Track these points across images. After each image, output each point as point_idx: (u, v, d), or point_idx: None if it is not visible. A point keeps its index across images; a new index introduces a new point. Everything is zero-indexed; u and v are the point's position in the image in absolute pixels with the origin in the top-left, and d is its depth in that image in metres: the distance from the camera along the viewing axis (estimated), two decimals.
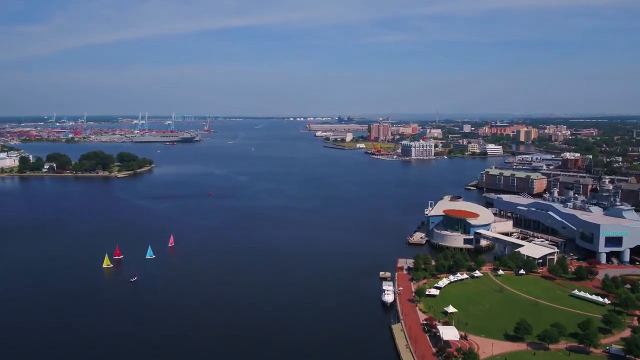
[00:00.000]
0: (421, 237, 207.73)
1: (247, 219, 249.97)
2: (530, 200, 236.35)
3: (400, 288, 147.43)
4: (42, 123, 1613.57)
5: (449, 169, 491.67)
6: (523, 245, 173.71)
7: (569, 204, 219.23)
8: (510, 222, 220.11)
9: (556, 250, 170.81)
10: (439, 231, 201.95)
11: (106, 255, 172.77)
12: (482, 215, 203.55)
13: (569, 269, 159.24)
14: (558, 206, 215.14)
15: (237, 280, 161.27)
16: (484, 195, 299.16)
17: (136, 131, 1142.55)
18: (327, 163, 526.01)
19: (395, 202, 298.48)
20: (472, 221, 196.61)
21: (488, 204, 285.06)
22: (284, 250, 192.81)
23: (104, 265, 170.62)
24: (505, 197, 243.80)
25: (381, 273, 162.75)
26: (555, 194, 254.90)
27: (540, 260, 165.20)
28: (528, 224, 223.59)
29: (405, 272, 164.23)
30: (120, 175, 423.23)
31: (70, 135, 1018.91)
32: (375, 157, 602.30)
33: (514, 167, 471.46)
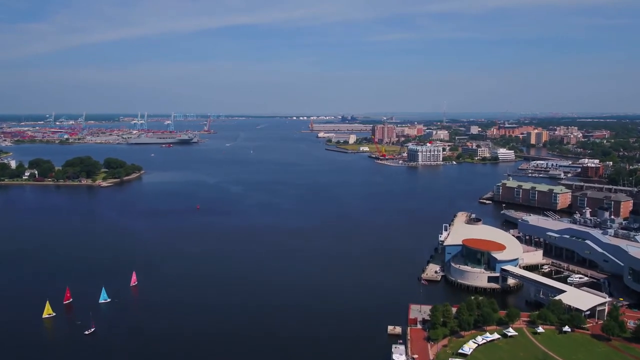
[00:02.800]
0: (436, 272, 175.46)
1: (234, 244, 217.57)
2: (562, 224, 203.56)
3: (415, 356, 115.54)
4: (42, 122, 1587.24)
5: (459, 177, 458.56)
6: (564, 291, 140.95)
7: (609, 230, 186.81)
8: (540, 252, 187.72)
9: (607, 299, 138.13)
10: (457, 265, 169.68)
11: (47, 302, 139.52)
12: (510, 247, 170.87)
13: (626, 325, 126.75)
14: (596, 234, 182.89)
15: (210, 340, 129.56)
16: (502, 212, 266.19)
17: (134, 131, 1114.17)
18: (328, 170, 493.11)
19: (403, 220, 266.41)
20: (498, 255, 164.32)
21: (507, 222, 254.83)
22: (271, 293, 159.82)
23: (45, 315, 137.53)
24: (532, 220, 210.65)
25: (390, 328, 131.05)
26: (588, 215, 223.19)
27: (588, 312, 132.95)
28: (560, 252, 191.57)
29: (419, 325, 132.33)
30: (104, 184, 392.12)
31: (65, 136, 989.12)
32: (380, 162, 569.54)
33: (529, 174, 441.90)
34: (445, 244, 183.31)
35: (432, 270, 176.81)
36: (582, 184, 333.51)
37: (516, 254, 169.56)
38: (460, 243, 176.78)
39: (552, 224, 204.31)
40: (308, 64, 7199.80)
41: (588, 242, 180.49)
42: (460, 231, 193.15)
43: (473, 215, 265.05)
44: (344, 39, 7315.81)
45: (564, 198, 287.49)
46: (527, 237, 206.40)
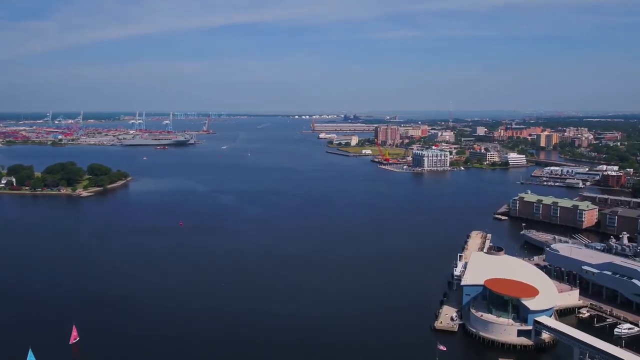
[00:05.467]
0: (453, 319, 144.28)
1: (213, 273, 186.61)
2: (600, 255, 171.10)
3: None
4: (41, 121, 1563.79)
5: (468, 185, 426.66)
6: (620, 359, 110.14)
7: None
8: (576, 292, 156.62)
9: None
10: (478, 314, 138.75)
11: None
12: (544, 292, 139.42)
13: None
14: None
15: None
16: (522, 233, 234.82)
17: (131, 131, 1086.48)
18: (329, 177, 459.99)
19: (410, 240, 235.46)
20: (531, 304, 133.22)
21: (528, 245, 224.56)
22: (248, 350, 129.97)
23: None
24: (563, 249, 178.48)
25: None
26: (625, 241, 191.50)
27: None
28: (598, 291, 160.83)
29: None
30: (85, 193, 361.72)
31: (59, 137, 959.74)
32: (383, 167, 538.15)
33: (544, 182, 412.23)
34: (462, 283, 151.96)
35: (447, 317, 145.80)
36: (606, 196, 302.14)
37: (552, 301, 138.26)
38: (482, 284, 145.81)
39: (588, 255, 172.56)
40: (311, 62, 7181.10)
41: (635, 281, 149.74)
42: (478, 265, 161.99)
43: (488, 235, 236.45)
44: (347, 36, 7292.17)
45: (590, 215, 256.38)
46: (557, 268, 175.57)
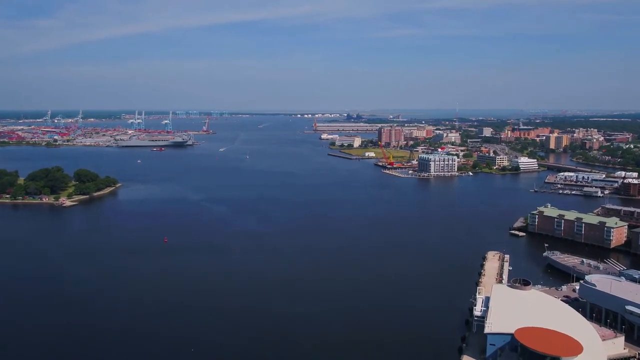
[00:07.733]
0: None
1: (188, 306, 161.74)
2: None
3: None
4: (41, 120, 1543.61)
5: (479, 193, 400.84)
6: None
7: None
8: (621, 340, 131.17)
9: None
10: None
11: None
12: (588, 347, 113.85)
13: None
14: None
15: None
16: (545, 255, 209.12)
17: (130, 131, 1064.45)
18: (330, 183, 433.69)
19: (418, 263, 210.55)
20: None
21: (552, 268, 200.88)
22: None
23: None
24: (600, 284, 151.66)
25: None
26: None
27: None
28: None
29: None
30: (68, 202, 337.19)
31: (55, 138, 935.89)
32: (388, 172, 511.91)
33: (559, 190, 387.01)
34: (486, 330, 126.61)
35: None
36: (632, 209, 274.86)
37: (598, 358, 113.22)
38: (511, 333, 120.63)
39: (632, 291, 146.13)
40: (313, 60, 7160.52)
41: None
42: (503, 304, 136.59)
43: (506, 256, 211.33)
44: (349, 35, 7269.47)
45: (618, 234, 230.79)
46: (593, 305, 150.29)
